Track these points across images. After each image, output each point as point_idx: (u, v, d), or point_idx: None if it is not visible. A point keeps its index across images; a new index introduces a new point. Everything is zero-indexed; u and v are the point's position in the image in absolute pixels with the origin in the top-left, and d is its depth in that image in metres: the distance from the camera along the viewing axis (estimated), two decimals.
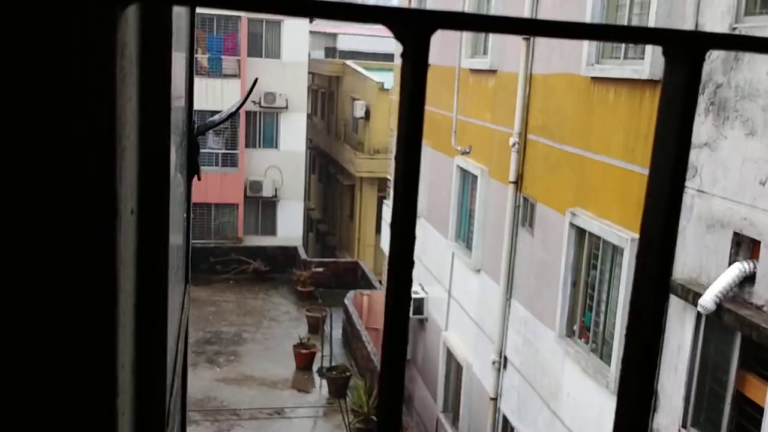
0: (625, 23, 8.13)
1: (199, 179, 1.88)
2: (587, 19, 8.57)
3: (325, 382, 16.71)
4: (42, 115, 0.53)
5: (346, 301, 19.00)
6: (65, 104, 0.54)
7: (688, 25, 6.94)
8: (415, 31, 0.55)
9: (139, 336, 0.81)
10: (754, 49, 0.61)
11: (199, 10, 23.58)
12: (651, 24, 7.43)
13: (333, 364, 17.13)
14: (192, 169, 1.80)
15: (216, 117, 2.72)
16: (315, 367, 17.58)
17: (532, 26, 0.61)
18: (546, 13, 9.82)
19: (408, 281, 0.51)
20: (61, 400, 0.56)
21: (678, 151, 0.58)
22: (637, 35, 0.62)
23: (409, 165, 0.53)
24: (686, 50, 0.57)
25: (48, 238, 0.55)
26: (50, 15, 0.52)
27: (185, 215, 1.85)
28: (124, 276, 0.67)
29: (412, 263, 0.52)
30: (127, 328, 0.71)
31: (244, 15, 25.03)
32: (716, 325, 6.45)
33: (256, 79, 3.42)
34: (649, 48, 7.45)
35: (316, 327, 19.09)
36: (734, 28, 6.43)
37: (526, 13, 10.09)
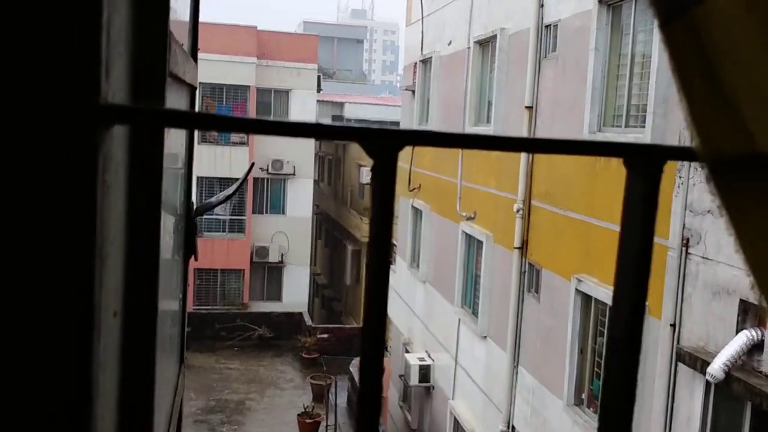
0: (625, 93, 8.28)
1: (196, 259, 1.92)
2: (588, 88, 8.74)
3: None
4: (22, 230, 0.57)
5: (351, 369, 18.77)
6: (45, 219, 0.57)
7: None
8: (383, 148, 0.59)
9: None
10: None
11: (207, 79, 23.67)
12: (651, 93, 7.57)
13: None
14: (189, 250, 1.84)
15: (213, 199, 2.77)
16: None
17: (499, 143, 0.64)
18: (548, 85, 10.02)
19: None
20: None
21: (640, 258, 0.60)
22: (600, 149, 0.65)
23: (379, 271, 0.55)
24: (646, 162, 0.60)
25: (23, 342, 0.57)
26: (34, 140, 0.56)
27: (181, 296, 1.87)
28: (104, 377, 0.69)
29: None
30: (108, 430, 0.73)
31: (253, 85, 25.59)
32: (726, 395, 6.34)
33: (252, 163, 3.50)
34: (650, 116, 7.57)
35: (320, 395, 18.80)
36: None
37: (528, 86, 10.30)
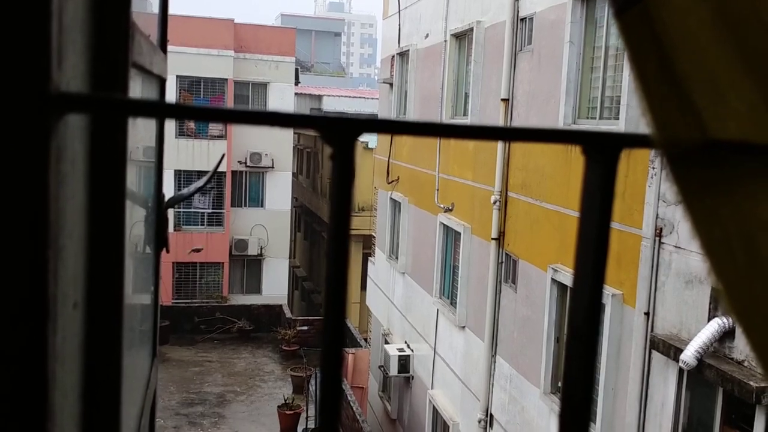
0: (600, 85, 8.34)
1: (167, 252, 1.91)
2: (563, 81, 8.79)
3: None
4: None
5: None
6: None
7: None
8: (340, 135, 0.59)
9: None
10: None
11: (185, 72, 23.43)
12: (625, 85, 7.64)
13: (318, 424, 16.81)
14: (160, 243, 1.83)
15: (184, 191, 2.76)
16: (300, 428, 17.25)
17: (455, 131, 0.65)
18: (523, 77, 10.06)
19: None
20: None
21: (597, 245, 0.61)
22: (557, 136, 0.66)
23: (339, 258, 0.56)
24: (603, 149, 0.60)
25: None
26: None
27: (153, 288, 1.86)
28: (63, 371, 0.69)
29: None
30: (69, 427, 0.73)
31: (231, 78, 25.43)
32: (698, 381, 6.44)
33: (223, 155, 3.48)
34: (624, 107, 7.64)
35: (300, 387, 18.81)
36: None
37: (504, 78, 10.33)
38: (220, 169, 24.35)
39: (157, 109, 0.56)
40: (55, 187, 0.61)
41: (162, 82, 1.83)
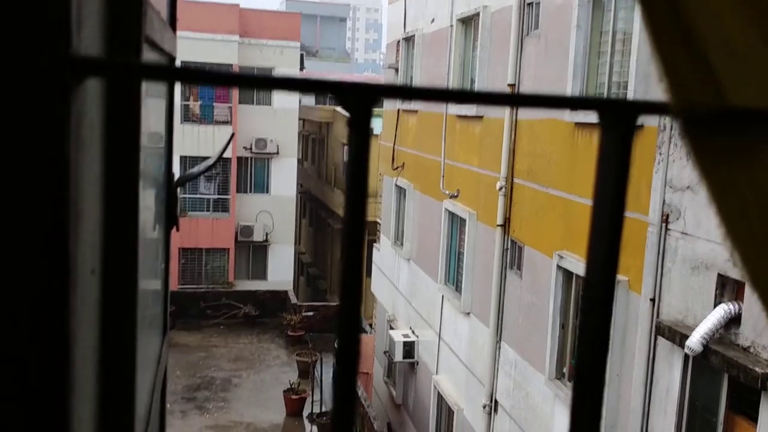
0: (607, 69, 8.30)
1: (177, 230, 1.92)
2: (570, 66, 8.75)
3: (315, 428, 16.47)
4: None
5: (336, 346, 18.85)
6: (17, 171, 0.58)
7: None
8: (358, 101, 0.59)
9: (104, 401, 0.84)
10: None
11: (189, 58, 23.26)
12: (632, 70, 7.60)
13: (323, 409, 16.94)
14: (170, 220, 1.84)
15: (194, 169, 2.77)
16: (305, 413, 17.35)
17: (469, 97, 0.65)
18: (530, 62, 10.02)
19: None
20: None
21: (613, 216, 0.61)
22: (574, 103, 0.66)
23: (355, 225, 0.56)
24: (619, 117, 0.60)
25: None
26: (3, 92, 0.56)
27: (163, 265, 1.88)
28: (82, 335, 0.70)
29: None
30: (86, 389, 0.74)
31: (236, 63, 25.38)
32: (704, 367, 6.45)
33: (233, 134, 3.51)
34: (631, 92, 7.60)
35: (306, 372, 18.90)
36: None
37: (510, 63, 10.29)
38: (225, 155, 24.34)
39: (175, 74, 0.57)
40: (75, 150, 0.62)
41: (172, 60, 1.83)
